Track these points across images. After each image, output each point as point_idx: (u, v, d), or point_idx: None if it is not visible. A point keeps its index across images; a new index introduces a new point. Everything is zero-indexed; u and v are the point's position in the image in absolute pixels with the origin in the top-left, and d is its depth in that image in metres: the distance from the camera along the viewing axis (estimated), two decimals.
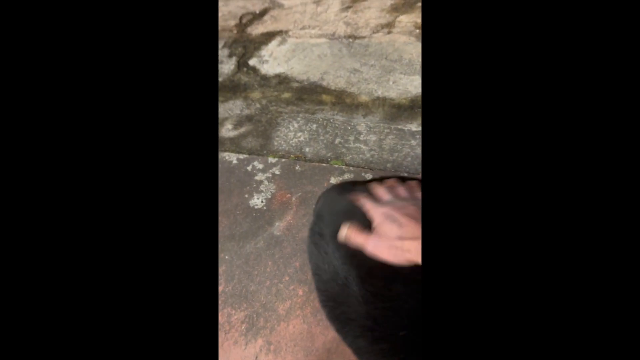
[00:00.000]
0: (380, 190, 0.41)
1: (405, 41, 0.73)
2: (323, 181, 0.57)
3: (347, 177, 0.57)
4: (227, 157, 0.63)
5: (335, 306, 0.39)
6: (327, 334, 0.44)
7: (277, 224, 0.54)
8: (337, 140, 0.62)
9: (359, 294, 0.37)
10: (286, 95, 0.70)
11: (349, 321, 0.38)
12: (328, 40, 0.78)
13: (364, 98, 0.66)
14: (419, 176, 0.54)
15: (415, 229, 0.35)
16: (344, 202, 0.42)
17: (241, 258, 0.52)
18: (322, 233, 0.42)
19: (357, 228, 0.38)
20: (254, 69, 0.77)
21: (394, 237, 0.35)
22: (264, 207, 0.56)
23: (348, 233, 0.38)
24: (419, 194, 0.41)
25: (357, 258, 0.38)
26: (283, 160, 0.60)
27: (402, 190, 0.41)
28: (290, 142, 0.63)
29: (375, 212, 0.38)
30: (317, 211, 0.45)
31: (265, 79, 0.75)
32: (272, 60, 0.77)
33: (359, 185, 0.44)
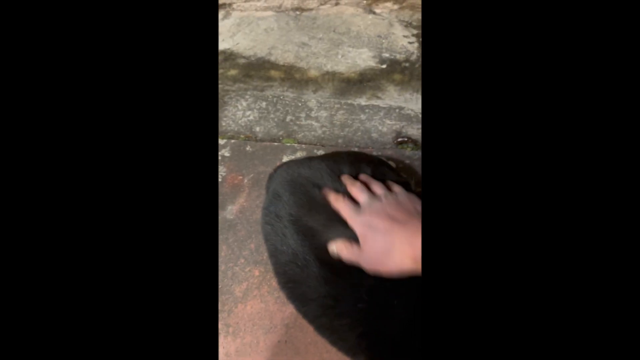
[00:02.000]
0: (354, 190, 0.40)
1: (353, 13, 0.71)
2: (275, 161, 0.57)
3: (300, 155, 0.57)
4: None
5: (295, 287, 0.39)
6: (284, 310, 0.45)
7: (229, 207, 0.52)
8: (289, 118, 0.60)
9: (319, 274, 0.37)
10: (232, 72, 0.67)
11: (309, 301, 0.38)
12: (275, 13, 0.75)
13: (313, 73, 0.65)
14: (371, 151, 0.55)
15: (399, 231, 0.33)
16: (306, 184, 0.42)
17: None
18: (279, 214, 0.41)
19: (344, 243, 0.37)
20: None
21: (382, 252, 0.34)
22: None
23: (338, 248, 0.38)
24: (395, 187, 0.41)
25: (316, 239, 0.38)
26: (232, 141, 0.58)
27: (376, 186, 0.40)
28: (240, 121, 0.61)
29: (354, 223, 0.37)
30: (273, 190, 0.44)
31: None
32: None
33: (315, 162, 0.44)
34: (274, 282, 0.46)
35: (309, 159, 0.46)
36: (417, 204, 0.38)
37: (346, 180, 0.41)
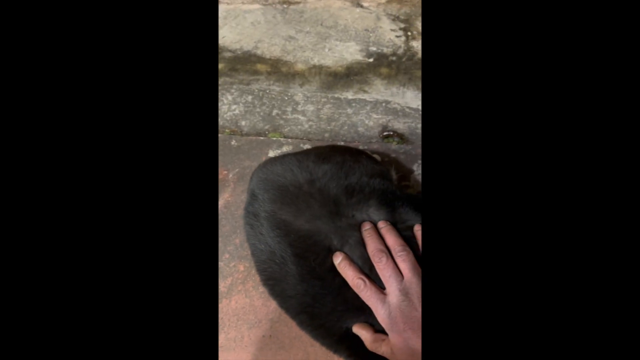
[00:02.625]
0: (384, 271, 0.35)
1: (341, 6, 0.70)
2: (261, 155, 0.56)
3: (286, 149, 0.57)
4: None
5: (275, 284, 0.39)
6: (269, 305, 0.45)
7: None
8: (275, 112, 0.60)
9: (296, 271, 0.37)
10: (219, 66, 0.66)
11: (289, 298, 0.38)
12: (262, 6, 0.74)
13: (300, 67, 0.64)
14: (357, 145, 0.55)
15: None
16: (277, 180, 0.42)
17: None
18: (256, 214, 0.41)
19: (373, 337, 0.35)
20: None
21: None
22: None
23: (364, 338, 0.36)
24: (390, 240, 0.36)
25: (291, 237, 0.38)
26: (218, 135, 0.58)
27: (403, 261, 0.35)
28: (225, 115, 0.60)
29: (388, 328, 0.33)
30: (251, 190, 0.44)
31: None
32: None
33: (286, 158, 0.44)
34: (258, 278, 0.46)
35: (282, 156, 0.45)
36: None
37: (372, 243, 0.36)
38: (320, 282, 0.37)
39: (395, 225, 0.38)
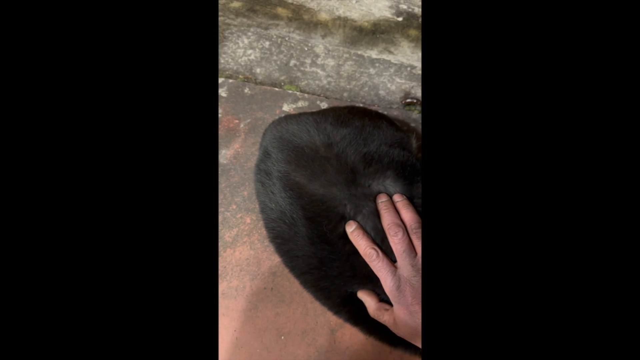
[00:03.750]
0: (396, 244, 0.34)
1: None
2: (275, 108, 0.54)
3: (302, 104, 0.54)
4: None
5: (283, 243, 0.39)
6: (273, 259, 0.45)
7: (223, 151, 0.50)
8: (292, 62, 0.56)
9: (306, 234, 0.37)
10: (236, 4, 0.61)
11: (296, 258, 0.38)
12: None
13: (323, 16, 0.60)
14: (377, 109, 0.53)
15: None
16: (293, 140, 0.40)
17: None
18: (268, 172, 0.40)
19: (377, 305, 0.36)
20: None
21: (415, 334, 0.33)
22: None
23: (368, 305, 0.36)
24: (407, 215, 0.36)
25: (304, 199, 0.37)
26: (230, 80, 0.54)
27: (416, 237, 0.35)
28: (239, 60, 0.56)
29: (395, 301, 0.34)
30: (264, 147, 0.42)
31: None
32: None
33: (303, 117, 0.42)
34: (264, 231, 0.46)
35: (298, 115, 0.43)
36: None
37: (390, 227, 0.35)
38: (330, 247, 0.37)
39: (411, 199, 0.37)
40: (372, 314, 0.36)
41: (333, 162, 0.38)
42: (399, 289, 0.33)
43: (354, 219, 0.37)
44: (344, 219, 0.37)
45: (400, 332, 0.34)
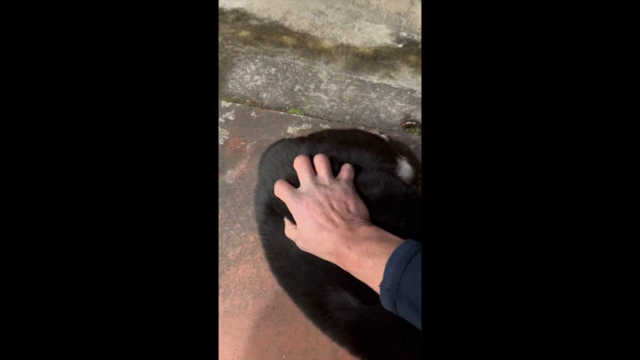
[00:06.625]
0: (297, 170, 0.41)
1: None
2: (280, 130, 0.56)
3: (305, 127, 0.56)
4: None
5: (276, 258, 0.42)
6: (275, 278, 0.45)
7: (229, 172, 0.52)
8: (297, 88, 0.59)
9: (298, 252, 0.40)
10: (244, 33, 0.64)
11: (286, 274, 0.41)
12: None
13: (327, 43, 0.63)
14: (376, 131, 0.54)
15: (327, 235, 0.36)
16: (283, 167, 0.44)
17: None
18: (262, 201, 0.44)
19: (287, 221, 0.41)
20: None
21: (313, 244, 0.37)
22: None
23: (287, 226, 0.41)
24: (344, 173, 0.42)
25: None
26: (238, 105, 0.57)
27: (322, 170, 0.41)
28: (247, 85, 0.59)
29: (292, 208, 0.39)
30: (261, 176, 0.46)
31: (221, 13, 0.67)
32: None
33: (298, 143, 0.45)
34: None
35: (297, 141, 0.46)
36: (351, 203, 0.38)
37: (296, 160, 0.42)
38: (326, 275, 0.39)
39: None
40: (287, 234, 0.40)
41: None
42: (295, 197, 0.39)
43: None
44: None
45: (300, 242, 0.38)
